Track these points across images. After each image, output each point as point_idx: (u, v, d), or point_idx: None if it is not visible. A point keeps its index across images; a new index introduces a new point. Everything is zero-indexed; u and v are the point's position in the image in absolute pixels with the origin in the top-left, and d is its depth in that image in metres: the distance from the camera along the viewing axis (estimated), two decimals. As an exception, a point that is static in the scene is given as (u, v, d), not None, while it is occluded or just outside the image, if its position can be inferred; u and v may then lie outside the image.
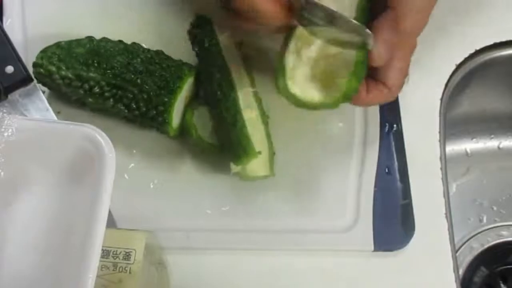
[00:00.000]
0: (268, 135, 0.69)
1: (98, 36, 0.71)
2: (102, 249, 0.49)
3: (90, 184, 0.48)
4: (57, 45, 0.69)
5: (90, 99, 0.69)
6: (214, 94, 0.68)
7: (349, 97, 0.60)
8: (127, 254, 0.57)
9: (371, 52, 0.58)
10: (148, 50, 0.71)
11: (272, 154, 0.69)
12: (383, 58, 0.59)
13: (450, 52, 0.79)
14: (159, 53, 0.71)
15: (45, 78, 0.69)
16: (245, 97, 0.68)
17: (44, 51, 0.69)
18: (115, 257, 0.57)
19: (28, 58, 0.71)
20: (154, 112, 0.67)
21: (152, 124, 0.70)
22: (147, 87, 0.66)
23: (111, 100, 0.68)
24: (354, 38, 0.56)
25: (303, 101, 0.60)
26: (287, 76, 0.60)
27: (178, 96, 0.67)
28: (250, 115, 0.67)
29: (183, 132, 0.70)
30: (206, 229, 0.69)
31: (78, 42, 0.69)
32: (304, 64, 0.62)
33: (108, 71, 0.67)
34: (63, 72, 0.67)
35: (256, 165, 0.66)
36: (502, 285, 0.95)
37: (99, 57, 0.67)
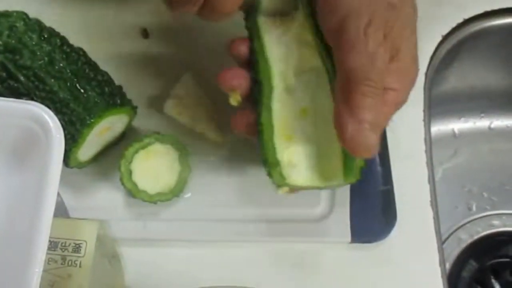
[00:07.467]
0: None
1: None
2: (50, 241, 0.49)
3: (35, 168, 0.48)
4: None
5: None
6: None
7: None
8: (77, 246, 0.58)
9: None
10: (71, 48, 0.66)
11: None
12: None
13: (436, 22, 0.80)
14: (80, 55, 0.66)
15: None
16: None
17: None
18: (63, 250, 0.58)
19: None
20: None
21: None
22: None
23: None
24: None
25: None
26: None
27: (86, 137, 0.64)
28: None
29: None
30: (165, 218, 0.70)
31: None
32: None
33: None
34: None
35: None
36: (493, 280, 0.96)
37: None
